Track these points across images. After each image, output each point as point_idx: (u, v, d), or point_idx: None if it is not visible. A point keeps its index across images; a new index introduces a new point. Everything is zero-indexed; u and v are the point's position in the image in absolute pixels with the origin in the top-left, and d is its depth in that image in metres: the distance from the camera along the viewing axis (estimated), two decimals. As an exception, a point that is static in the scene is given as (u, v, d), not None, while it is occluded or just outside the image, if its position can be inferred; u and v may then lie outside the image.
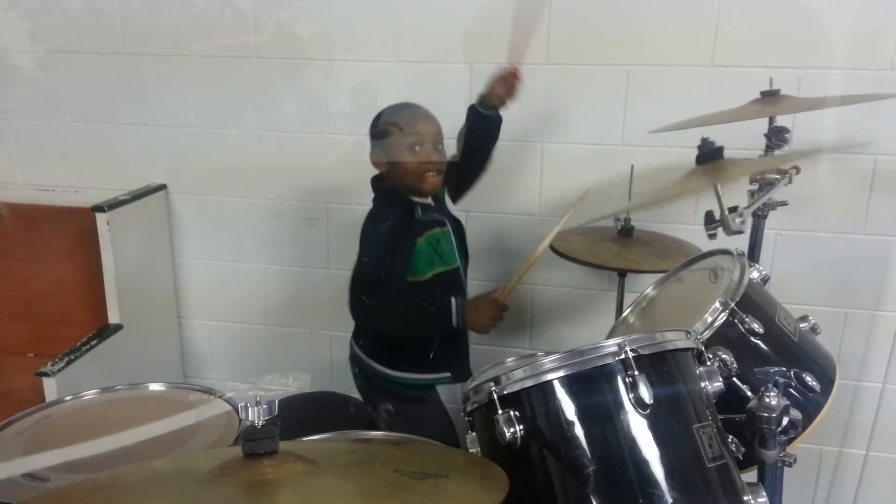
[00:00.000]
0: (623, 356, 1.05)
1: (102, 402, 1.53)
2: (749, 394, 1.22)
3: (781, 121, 1.73)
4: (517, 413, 1.06)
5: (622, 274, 2.03)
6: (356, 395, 2.03)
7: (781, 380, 1.12)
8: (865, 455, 2.28)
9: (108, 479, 0.99)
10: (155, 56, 2.37)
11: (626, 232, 2.00)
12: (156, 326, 2.53)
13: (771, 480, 1.14)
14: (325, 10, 2.23)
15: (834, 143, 2.05)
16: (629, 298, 1.87)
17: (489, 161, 1.92)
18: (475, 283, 2.11)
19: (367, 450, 1.17)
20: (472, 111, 1.84)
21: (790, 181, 1.62)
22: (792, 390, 1.25)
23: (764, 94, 1.72)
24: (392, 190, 1.81)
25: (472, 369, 1.94)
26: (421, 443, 1.41)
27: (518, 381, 1.07)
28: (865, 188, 2.08)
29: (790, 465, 1.14)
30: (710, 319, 1.28)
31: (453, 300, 1.78)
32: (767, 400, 1.10)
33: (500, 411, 1.06)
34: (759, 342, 1.30)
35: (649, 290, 1.64)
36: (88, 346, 2.16)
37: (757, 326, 1.29)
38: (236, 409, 1.42)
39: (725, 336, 1.29)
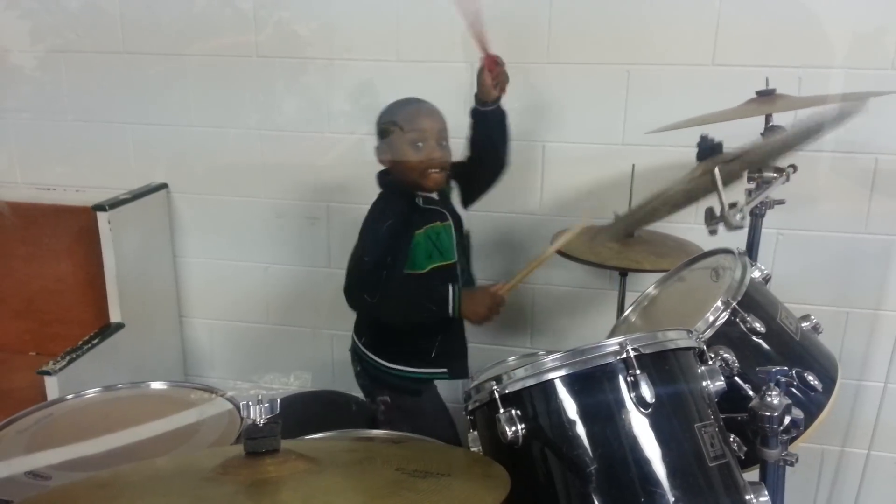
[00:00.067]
0: (625, 355, 1.04)
1: (104, 400, 1.53)
2: (751, 393, 1.22)
3: (782, 120, 1.73)
4: (519, 412, 1.06)
5: (623, 273, 2.03)
6: (358, 393, 2.03)
7: (783, 379, 1.12)
8: (867, 454, 2.28)
9: (109, 478, 0.99)
10: (156, 55, 2.37)
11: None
12: (157, 325, 2.53)
13: (773, 480, 1.14)
14: (326, 10, 2.23)
15: (834, 141, 2.05)
16: (630, 298, 1.87)
17: (504, 161, 1.91)
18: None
19: (368, 448, 1.17)
20: (473, 112, 1.84)
21: (788, 179, 1.63)
22: (794, 389, 1.25)
23: (759, 93, 1.72)
24: (397, 185, 1.81)
25: (471, 368, 1.94)
26: (422, 441, 1.41)
27: (519, 379, 1.07)
28: (867, 187, 2.07)
29: (792, 464, 1.14)
30: (711, 318, 1.29)
31: (451, 288, 1.78)
32: (769, 399, 1.10)
33: (501, 410, 1.06)
34: (760, 341, 1.30)
35: (651, 290, 1.64)
36: (90, 345, 2.16)
37: (759, 325, 1.29)
38: (237, 408, 1.43)
39: (727, 335, 1.29)
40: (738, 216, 1.35)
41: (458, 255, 1.87)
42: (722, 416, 1.12)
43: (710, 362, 1.16)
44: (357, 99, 2.29)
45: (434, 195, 1.84)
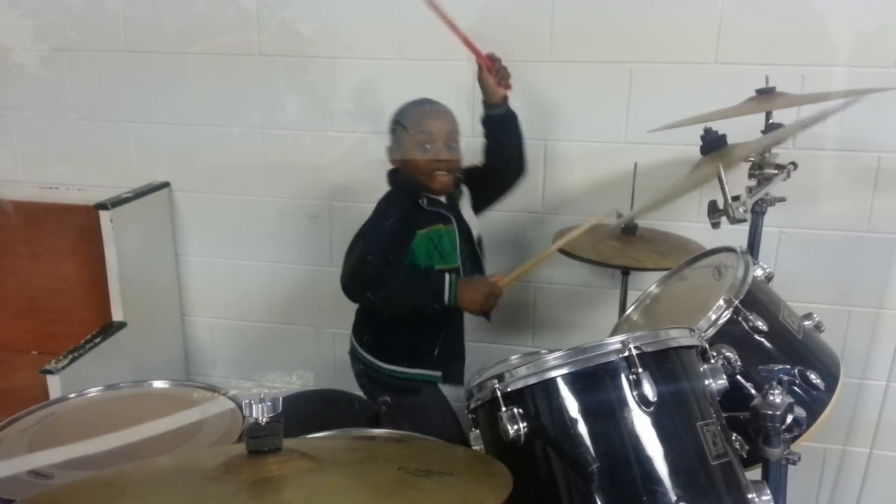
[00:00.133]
0: (627, 353, 1.04)
1: (106, 399, 1.53)
2: (753, 391, 1.22)
3: (784, 118, 1.72)
4: (521, 410, 1.06)
5: (625, 272, 2.03)
6: (360, 392, 2.03)
7: (785, 377, 1.12)
8: (869, 453, 2.28)
9: (112, 477, 0.99)
10: (158, 54, 2.37)
11: (629, 230, 2.00)
12: (159, 324, 2.53)
13: (775, 478, 1.14)
14: (328, 8, 2.23)
15: (837, 139, 2.04)
16: (632, 296, 1.87)
17: (522, 166, 1.91)
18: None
19: (370, 447, 1.17)
20: (484, 120, 1.84)
21: (788, 176, 1.63)
22: (796, 388, 1.25)
23: (759, 91, 1.72)
24: (404, 185, 1.82)
25: (467, 374, 1.93)
26: (425, 440, 1.41)
27: (522, 378, 1.07)
28: (869, 186, 2.07)
29: (794, 463, 1.14)
30: (714, 317, 1.28)
31: (447, 276, 1.77)
32: (771, 398, 1.10)
33: (503, 408, 1.06)
34: (763, 340, 1.30)
35: (653, 288, 1.63)
36: (92, 344, 2.16)
37: (761, 324, 1.29)
38: (240, 407, 1.42)
39: (729, 334, 1.28)
40: (742, 209, 1.35)
41: (463, 261, 1.86)
42: (724, 414, 1.12)
43: (713, 361, 1.16)
44: (359, 98, 2.29)
45: (441, 198, 1.83)
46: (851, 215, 2.10)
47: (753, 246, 1.78)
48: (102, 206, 2.23)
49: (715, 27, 2.03)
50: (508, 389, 1.08)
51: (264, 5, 2.26)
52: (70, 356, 2.07)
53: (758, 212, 1.75)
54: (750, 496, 1.06)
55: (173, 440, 1.34)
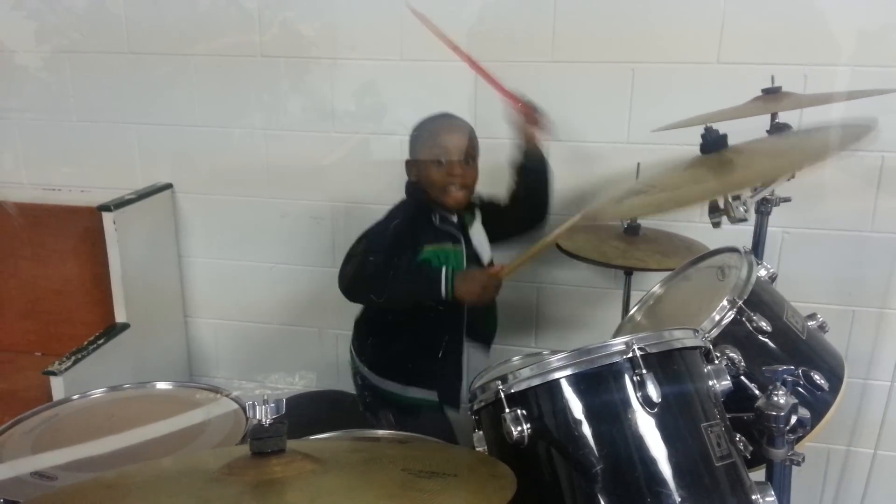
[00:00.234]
0: (631, 354, 1.04)
1: (109, 400, 1.53)
2: (757, 392, 1.22)
3: (788, 118, 1.72)
4: (524, 412, 1.06)
5: (629, 272, 2.03)
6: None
7: (790, 378, 1.11)
8: (873, 454, 2.27)
9: (115, 478, 0.99)
10: (160, 55, 2.37)
11: (632, 230, 2.00)
12: (162, 325, 2.53)
13: (779, 479, 1.14)
14: (330, 9, 2.23)
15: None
16: (636, 297, 1.87)
17: (546, 211, 1.90)
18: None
19: (374, 448, 1.17)
20: (520, 168, 1.84)
21: (793, 176, 1.62)
22: (800, 389, 1.24)
23: (765, 91, 1.72)
24: (419, 198, 1.82)
25: (465, 392, 1.92)
26: (428, 442, 1.41)
27: (525, 379, 1.07)
28: (873, 185, 2.07)
29: (798, 463, 1.14)
30: (717, 317, 1.28)
31: (443, 269, 1.75)
32: (776, 398, 1.10)
33: (507, 410, 1.06)
34: (767, 340, 1.30)
35: (656, 289, 1.63)
36: (95, 345, 2.17)
37: (765, 324, 1.28)
38: (243, 408, 1.43)
39: (733, 334, 1.28)
40: (742, 208, 1.34)
41: None
42: (728, 415, 1.12)
43: (717, 361, 1.16)
44: (361, 98, 2.29)
45: (453, 218, 1.83)
46: (855, 215, 2.09)
47: (758, 246, 1.78)
48: (105, 207, 2.23)
49: (717, 27, 2.02)
50: (512, 391, 1.07)
51: (266, 6, 2.26)
52: (73, 357, 2.07)
53: (763, 212, 1.74)
54: (754, 497, 1.05)
55: (177, 441, 1.34)
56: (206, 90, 2.38)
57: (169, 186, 2.49)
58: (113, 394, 1.55)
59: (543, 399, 1.06)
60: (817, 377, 1.27)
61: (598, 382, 1.05)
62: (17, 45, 2.45)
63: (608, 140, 2.17)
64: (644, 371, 1.03)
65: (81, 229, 2.37)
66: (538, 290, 2.34)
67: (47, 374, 2.00)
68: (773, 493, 1.07)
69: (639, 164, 1.99)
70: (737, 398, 1.16)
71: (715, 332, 1.27)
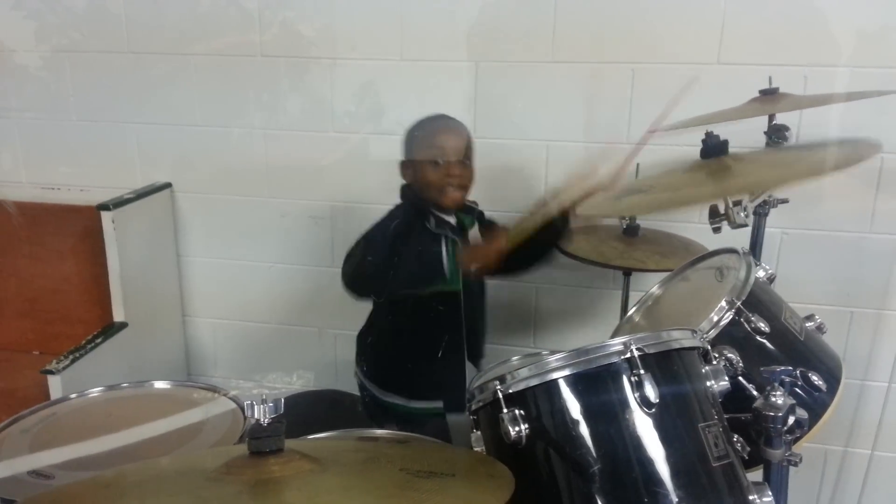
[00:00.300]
0: (629, 355, 1.04)
1: (107, 399, 1.53)
2: (755, 393, 1.22)
3: (787, 119, 1.72)
4: (522, 412, 1.06)
5: (627, 273, 2.03)
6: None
7: (787, 379, 1.11)
8: (870, 455, 2.27)
9: (113, 477, 0.99)
10: (160, 55, 2.37)
11: (631, 231, 2.00)
12: (161, 325, 2.53)
13: (776, 480, 1.14)
14: (330, 9, 2.23)
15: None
16: (634, 297, 1.87)
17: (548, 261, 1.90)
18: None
19: (372, 448, 1.17)
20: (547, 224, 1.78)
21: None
22: (798, 389, 1.25)
23: (763, 92, 1.72)
24: (415, 200, 1.81)
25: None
26: (427, 442, 1.41)
27: (523, 379, 1.07)
28: (872, 186, 2.07)
29: (796, 464, 1.14)
30: (715, 318, 1.28)
31: (443, 242, 1.74)
32: (773, 399, 1.10)
33: (505, 410, 1.06)
34: (765, 341, 1.30)
35: (655, 289, 1.63)
36: (93, 344, 2.17)
37: (763, 325, 1.29)
38: (241, 407, 1.43)
39: (731, 335, 1.28)
40: (742, 214, 1.35)
41: (465, 285, 1.85)
42: (726, 416, 1.12)
43: (715, 362, 1.16)
44: (361, 98, 2.29)
45: (450, 219, 1.82)
46: (854, 216, 2.10)
47: (756, 247, 1.78)
48: (104, 206, 2.23)
49: (717, 27, 2.02)
50: (510, 391, 1.07)
51: (266, 6, 2.26)
52: (71, 356, 2.07)
53: (760, 213, 1.74)
54: (751, 497, 1.06)
55: (174, 441, 1.34)
56: (205, 90, 2.38)
57: (168, 186, 2.49)
58: (111, 393, 1.55)
59: (541, 399, 1.06)
60: (815, 378, 1.27)
61: (596, 383, 1.05)
62: (17, 45, 2.45)
63: (607, 140, 2.17)
64: (642, 371, 1.03)
65: (80, 228, 2.37)
66: (537, 290, 2.34)
67: (45, 372, 2.00)
68: (770, 493, 1.07)
69: (638, 164, 1.99)
70: (735, 399, 1.16)
71: (713, 333, 1.27)
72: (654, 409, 1.02)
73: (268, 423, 0.93)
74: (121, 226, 2.25)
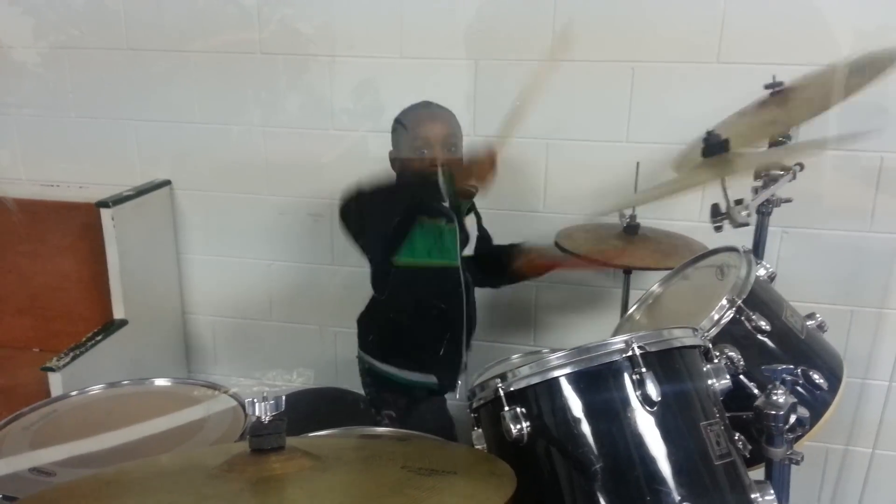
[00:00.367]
0: (630, 353, 1.04)
1: (108, 397, 1.53)
2: (756, 391, 1.22)
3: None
4: (523, 410, 1.06)
5: (628, 271, 2.03)
6: (362, 391, 2.03)
7: (788, 377, 1.11)
8: (872, 453, 2.28)
9: (114, 474, 0.99)
10: (159, 52, 2.37)
11: (631, 229, 1.99)
12: (160, 322, 2.53)
13: (778, 478, 1.14)
14: (329, 7, 2.23)
15: (839, 139, 2.04)
16: (634, 296, 1.87)
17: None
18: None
19: (374, 446, 1.17)
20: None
21: (794, 177, 1.62)
22: (799, 388, 1.24)
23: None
24: (408, 192, 1.80)
25: (464, 379, 1.92)
26: (428, 439, 1.41)
27: (524, 377, 1.07)
28: (872, 185, 2.07)
29: (797, 462, 1.14)
30: (716, 317, 1.28)
31: (440, 170, 1.70)
32: (774, 398, 1.10)
33: (506, 408, 1.06)
34: (766, 340, 1.30)
35: (655, 288, 1.63)
36: (93, 342, 2.17)
37: (764, 324, 1.28)
38: (241, 405, 1.43)
39: (732, 333, 1.28)
40: (744, 213, 1.35)
41: (462, 261, 1.85)
42: (727, 414, 1.12)
43: (716, 361, 1.16)
44: (360, 96, 2.29)
45: (444, 204, 1.81)
46: (854, 215, 2.10)
47: (758, 246, 1.78)
48: (104, 203, 2.23)
49: (717, 26, 2.02)
50: (511, 389, 1.07)
51: (265, 3, 2.25)
52: (71, 354, 2.07)
53: (763, 212, 1.74)
54: (753, 496, 1.05)
55: (175, 438, 1.34)
56: (204, 87, 2.38)
57: (167, 183, 2.49)
58: (111, 390, 1.54)
59: (543, 397, 1.06)
60: (816, 376, 1.27)
61: (598, 381, 1.05)
62: (16, 41, 2.44)
63: (607, 139, 2.17)
64: (643, 370, 1.03)
65: (80, 226, 2.36)
66: (537, 288, 2.34)
67: (45, 370, 2.00)
68: (772, 491, 1.07)
69: (638, 163, 1.99)
70: (736, 397, 1.16)
71: (714, 331, 1.27)
72: (655, 408, 1.02)
73: (269, 421, 0.93)
74: (120, 223, 2.25)
